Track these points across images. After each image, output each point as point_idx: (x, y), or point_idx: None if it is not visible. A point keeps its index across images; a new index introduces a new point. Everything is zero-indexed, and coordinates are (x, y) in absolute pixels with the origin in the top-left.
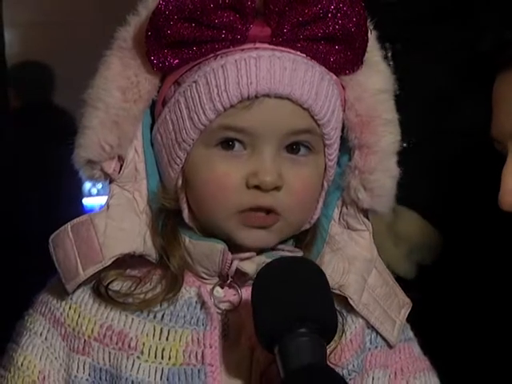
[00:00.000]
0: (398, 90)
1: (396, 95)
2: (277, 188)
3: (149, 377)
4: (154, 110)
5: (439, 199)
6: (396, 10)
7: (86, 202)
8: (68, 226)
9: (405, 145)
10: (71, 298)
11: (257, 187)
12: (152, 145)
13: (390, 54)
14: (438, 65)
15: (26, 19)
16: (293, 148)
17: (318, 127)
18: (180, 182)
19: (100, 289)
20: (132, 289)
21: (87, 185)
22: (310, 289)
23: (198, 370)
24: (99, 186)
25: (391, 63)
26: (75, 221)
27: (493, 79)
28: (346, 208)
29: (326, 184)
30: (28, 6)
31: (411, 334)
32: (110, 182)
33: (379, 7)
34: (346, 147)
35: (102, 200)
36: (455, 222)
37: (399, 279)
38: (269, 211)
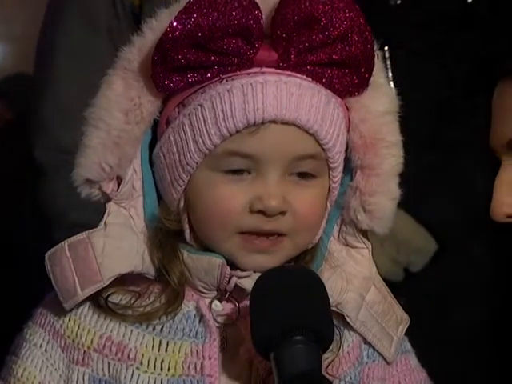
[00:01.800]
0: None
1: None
2: (282, 213)
3: None
4: (155, 128)
5: (440, 206)
6: (403, 14)
7: None
8: (65, 244)
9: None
10: (70, 310)
11: (261, 212)
12: (150, 162)
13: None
14: (440, 72)
15: (19, 33)
16: (299, 174)
17: (322, 151)
18: (182, 203)
19: (99, 300)
20: (131, 302)
21: None
22: (307, 297)
23: (197, 381)
24: None
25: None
26: (72, 239)
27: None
28: (345, 227)
29: (329, 205)
30: (21, 20)
31: (408, 345)
32: (107, 201)
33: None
34: (348, 167)
35: None
36: (454, 230)
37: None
38: (272, 235)
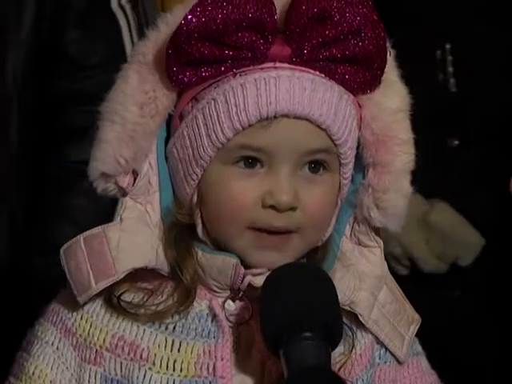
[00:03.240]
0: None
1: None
2: (292, 208)
3: None
4: (170, 123)
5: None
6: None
7: None
8: (80, 237)
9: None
10: (83, 308)
11: (272, 207)
12: (166, 158)
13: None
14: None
15: None
16: (311, 167)
17: (334, 147)
18: (195, 197)
19: (112, 299)
20: (144, 300)
21: None
22: (317, 294)
23: (210, 383)
24: None
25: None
26: (88, 233)
27: None
28: (358, 225)
29: (339, 201)
30: None
31: (419, 348)
32: (123, 196)
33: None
34: (360, 165)
35: None
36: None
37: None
38: (283, 232)
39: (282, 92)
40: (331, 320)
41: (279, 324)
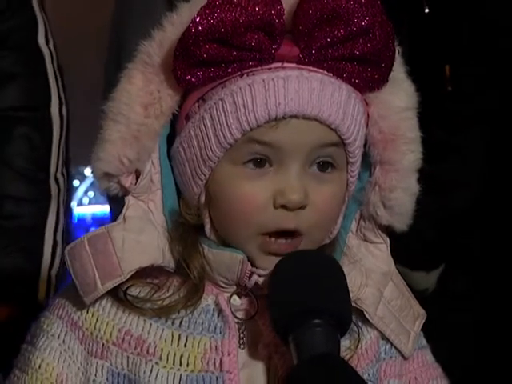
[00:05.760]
0: None
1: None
2: (302, 207)
3: (167, 383)
4: (173, 121)
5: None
6: None
7: (78, 211)
8: (85, 238)
9: None
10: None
11: (283, 206)
12: (169, 156)
13: None
14: None
15: None
16: (319, 165)
17: (343, 145)
18: (203, 197)
19: (118, 293)
20: (150, 294)
21: (78, 194)
22: (327, 281)
23: (217, 378)
24: (91, 194)
25: None
26: (92, 233)
27: None
28: (364, 222)
29: (346, 199)
30: None
31: (424, 341)
32: (125, 194)
33: None
34: (367, 162)
35: (93, 209)
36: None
37: None
38: (291, 234)
39: (291, 93)
40: (341, 307)
41: (289, 310)
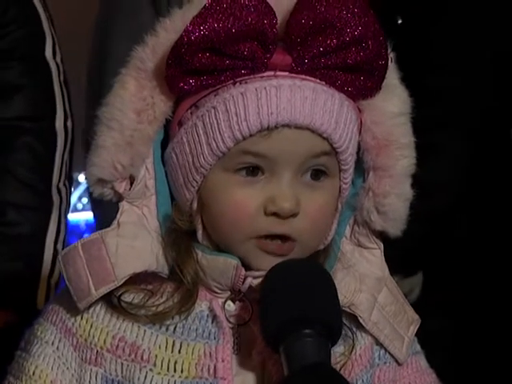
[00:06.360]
0: None
1: None
2: (294, 215)
3: None
4: (166, 126)
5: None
6: None
7: (71, 217)
8: (79, 243)
9: None
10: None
11: (274, 214)
12: (163, 161)
13: None
14: None
15: None
16: (312, 174)
17: (335, 153)
18: (195, 203)
19: (112, 299)
20: (144, 300)
21: (72, 200)
22: (317, 290)
23: None
24: (84, 201)
25: None
26: (86, 239)
27: None
28: (358, 227)
29: (340, 205)
30: None
31: (418, 347)
32: (119, 200)
33: None
34: (360, 168)
35: (86, 215)
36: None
37: None
38: (285, 239)
39: (283, 102)
40: (331, 317)
41: (279, 320)
